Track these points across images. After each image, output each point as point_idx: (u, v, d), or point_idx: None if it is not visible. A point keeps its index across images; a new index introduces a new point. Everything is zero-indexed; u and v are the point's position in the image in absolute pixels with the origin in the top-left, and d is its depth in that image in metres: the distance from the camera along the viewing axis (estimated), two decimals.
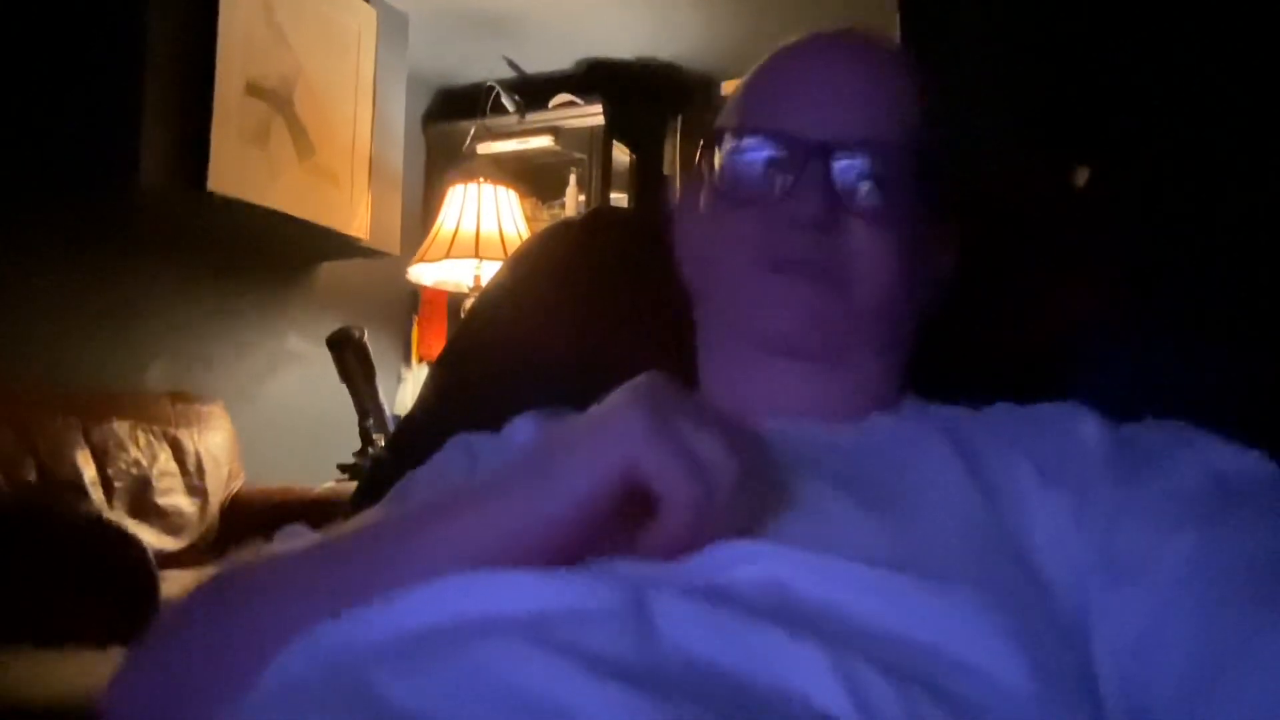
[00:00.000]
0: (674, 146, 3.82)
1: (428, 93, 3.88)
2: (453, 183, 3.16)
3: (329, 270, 3.31)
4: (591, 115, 3.61)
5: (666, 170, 3.82)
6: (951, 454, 0.54)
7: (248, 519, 2.52)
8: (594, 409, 0.46)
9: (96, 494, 2.25)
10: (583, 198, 3.63)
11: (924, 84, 0.64)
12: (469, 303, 2.42)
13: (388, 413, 2.53)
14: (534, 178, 3.61)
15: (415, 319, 3.73)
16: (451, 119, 3.81)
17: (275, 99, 2.75)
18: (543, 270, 0.94)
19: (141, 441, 2.41)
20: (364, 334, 2.48)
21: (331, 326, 2.53)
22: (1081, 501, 0.50)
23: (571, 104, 3.63)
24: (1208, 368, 0.70)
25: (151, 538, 2.16)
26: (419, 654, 0.39)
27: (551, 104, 3.65)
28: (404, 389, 3.43)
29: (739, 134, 0.63)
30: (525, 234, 3.02)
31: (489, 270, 2.94)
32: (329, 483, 2.64)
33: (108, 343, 2.63)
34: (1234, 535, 0.44)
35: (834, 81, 0.62)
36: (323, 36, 2.92)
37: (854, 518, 0.49)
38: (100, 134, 2.42)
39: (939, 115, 0.65)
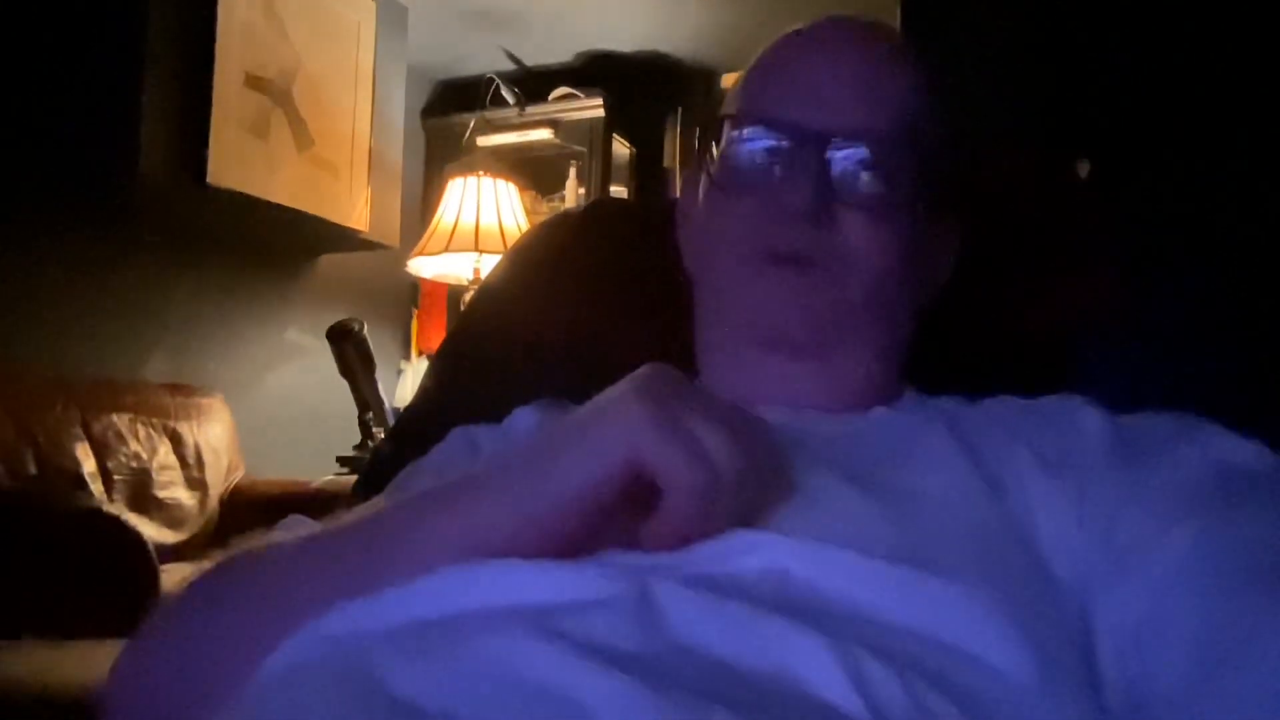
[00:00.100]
0: (674, 140, 3.81)
1: (427, 85, 3.87)
2: (452, 175, 3.15)
3: (329, 263, 3.31)
4: (591, 108, 3.60)
5: (666, 163, 3.81)
6: (953, 446, 0.54)
7: (247, 512, 2.52)
8: (596, 399, 0.46)
9: (96, 487, 2.25)
10: (582, 191, 3.63)
11: (927, 77, 0.64)
12: (469, 295, 2.42)
13: (387, 406, 2.53)
14: (534, 171, 3.61)
15: (415, 312, 3.73)
16: (451, 112, 3.81)
17: (275, 91, 2.75)
18: (543, 262, 0.94)
19: (141, 434, 2.41)
20: (364, 327, 2.48)
21: (331, 319, 2.52)
22: (1083, 492, 0.50)
23: (571, 97, 3.63)
24: (1208, 360, 0.70)
25: (151, 531, 2.16)
26: (423, 644, 0.39)
27: (551, 97, 3.65)
28: (404, 382, 3.43)
29: (737, 122, 0.63)
30: (525, 227, 3.02)
31: (488, 263, 2.93)
32: (328, 475, 2.64)
33: (107, 335, 2.63)
34: (1236, 526, 0.44)
35: (834, 70, 0.61)
36: (322, 29, 2.91)
37: (857, 509, 0.49)
38: (100, 127, 2.42)
39: (941, 109, 0.65)
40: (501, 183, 3.10)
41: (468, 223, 3.00)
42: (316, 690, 0.38)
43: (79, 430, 2.27)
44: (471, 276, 3.05)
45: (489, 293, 0.97)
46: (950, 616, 0.42)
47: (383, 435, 2.43)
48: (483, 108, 3.65)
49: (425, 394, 0.94)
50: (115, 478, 2.31)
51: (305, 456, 2.80)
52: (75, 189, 2.47)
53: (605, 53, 3.67)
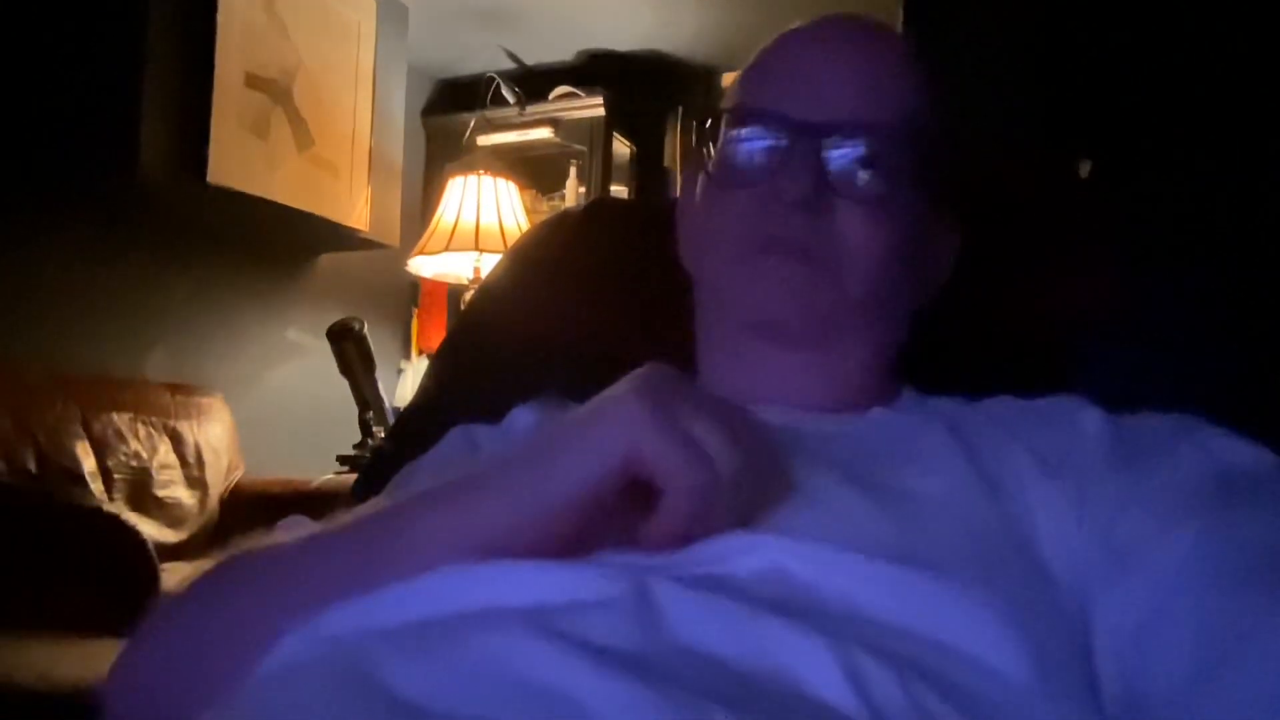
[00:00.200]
0: (674, 138, 3.81)
1: (427, 84, 3.87)
2: (452, 174, 3.15)
3: (329, 262, 3.31)
4: (592, 107, 3.60)
5: (667, 162, 3.81)
6: (952, 445, 0.54)
7: (247, 511, 2.53)
8: (595, 398, 0.46)
9: (96, 486, 2.25)
10: (583, 190, 3.62)
11: (928, 73, 0.64)
12: (469, 295, 2.42)
13: (387, 405, 2.53)
14: (534, 170, 3.61)
15: (415, 311, 3.73)
16: (451, 111, 3.81)
17: (275, 90, 2.75)
18: (543, 261, 0.94)
19: (141, 433, 2.41)
20: (364, 326, 2.48)
21: (331, 318, 2.52)
22: (1083, 493, 0.50)
23: (572, 95, 3.62)
24: (1208, 360, 0.70)
25: (152, 530, 2.17)
26: (421, 643, 0.39)
27: (552, 96, 3.65)
28: (404, 381, 3.43)
29: (736, 115, 0.63)
30: (525, 226, 3.02)
31: (489, 262, 2.94)
32: (328, 475, 2.64)
33: (107, 334, 2.63)
34: (1236, 527, 0.44)
35: (833, 64, 0.61)
36: (322, 28, 2.91)
37: (856, 509, 0.49)
38: (100, 125, 2.41)
39: (941, 108, 0.65)
40: (502, 182, 3.10)
41: (468, 222, 3.00)
42: (316, 689, 0.38)
43: (79, 429, 2.27)
44: (472, 276, 3.05)
45: (489, 292, 0.97)
46: (949, 617, 0.42)
47: (383, 434, 2.43)
48: (483, 107, 3.65)
49: (425, 393, 0.94)
50: (115, 476, 2.31)
51: (305, 456, 2.80)
52: (76, 187, 2.47)
53: (606, 52, 3.67)
